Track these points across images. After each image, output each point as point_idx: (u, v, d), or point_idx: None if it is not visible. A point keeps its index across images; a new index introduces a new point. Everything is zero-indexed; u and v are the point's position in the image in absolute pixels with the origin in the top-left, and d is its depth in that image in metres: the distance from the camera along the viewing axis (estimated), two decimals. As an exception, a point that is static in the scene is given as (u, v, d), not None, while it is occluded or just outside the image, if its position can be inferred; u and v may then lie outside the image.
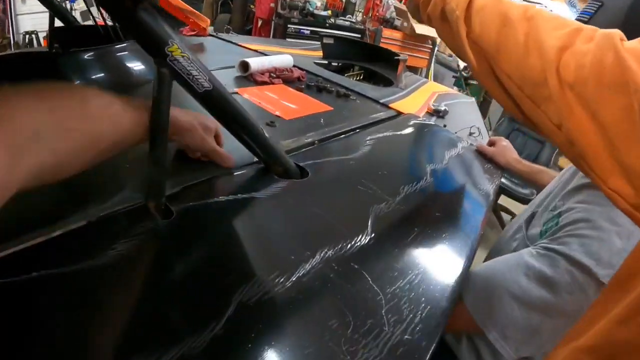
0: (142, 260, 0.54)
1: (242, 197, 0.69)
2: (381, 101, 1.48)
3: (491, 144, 1.32)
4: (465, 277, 0.67)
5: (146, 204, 0.61)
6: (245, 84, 1.34)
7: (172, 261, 0.55)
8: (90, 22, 1.46)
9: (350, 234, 0.66)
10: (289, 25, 4.28)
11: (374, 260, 0.62)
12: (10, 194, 0.39)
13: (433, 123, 1.43)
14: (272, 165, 0.78)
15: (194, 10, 1.65)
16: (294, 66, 1.61)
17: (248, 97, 1.20)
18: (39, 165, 0.42)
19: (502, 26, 0.56)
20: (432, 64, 4.68)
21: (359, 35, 4.46)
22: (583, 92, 0.46)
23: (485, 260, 1.11)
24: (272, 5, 4.43)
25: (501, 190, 2.85)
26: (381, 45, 3.92)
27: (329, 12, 4.61)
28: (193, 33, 1.90)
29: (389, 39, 4.46)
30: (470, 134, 1.50)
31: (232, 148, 0.76)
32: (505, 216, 3.25)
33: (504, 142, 1.31)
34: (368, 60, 2.08)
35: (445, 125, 1.44)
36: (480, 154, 1.28)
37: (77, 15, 3.06)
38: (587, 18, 0.75)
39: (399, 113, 1.42)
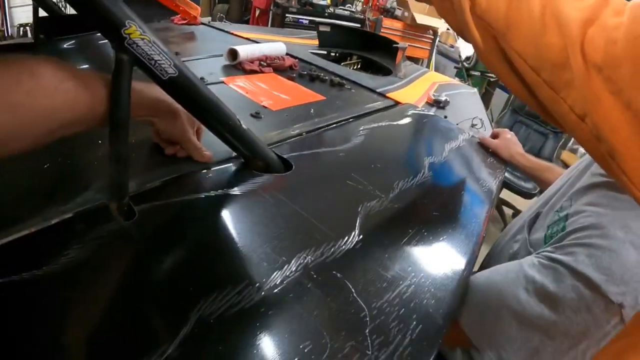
0: (91, 270, 0.46)
1: (214, 194, 0.61)
2: (378, 90, 1.40)
3: (494, 136, 1.25)
4: (465, 288, 0.59)
5: (108, 204, 0.54)
6: (232, 73, 1.27)
7: (125, 270, 0.48)
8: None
9: (334, 236, 0.59)
10: (287, 15, 4.21)
11: (360, 268, 0.55)
12: None
13: (433, 114, 1.35)
14: (252, 159, 0.70)
15: (185, -2, 1.59)
16: (287, 54, 1.53)
17: (234, 87, 1.13)
18: None
19: None
20: (434, 55, 4.60)
21: (359, 25, 4.37)
22: (614, 76, 0.37)
23: (483, 261, 1.03)
24: (270, -7, 4.35)
25: (503, 183, 2.77)
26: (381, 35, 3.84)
27: (328, 1, 4.53)
28: (184, 22, 1.83)
29: (390, 28, 4.38)
30: (473, 125, 1.42)
31: (209, 143, 0.70)
32: (507, 210, 3.18)
33: (508, 135, 1.24)
34: (366, 49, 2.00)
35: (446, 117, 1.37)
36: (483, 146, 1.20)
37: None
38: None
39: (397, 103, 1.34)
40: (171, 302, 0.43)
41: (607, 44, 0.39)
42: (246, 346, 0.41)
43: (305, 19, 4.25)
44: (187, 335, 0.39)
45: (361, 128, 1.01)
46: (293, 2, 4.32)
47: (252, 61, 1.35)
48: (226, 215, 0.60)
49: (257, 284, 0.47)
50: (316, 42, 2.01)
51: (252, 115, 0.94)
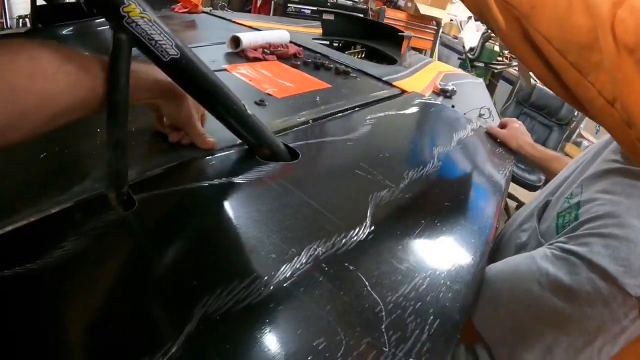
0: (89, 263, 0.43)
1: (217, 183, 0.59)
2: (384, 79, 1.37)
3: (503, 125, 1.22)
4: (480, 281, 0.57)
5: (106, 193, 0.52)
6: (235, 61, 1.24)
7: (125, 263, 0.45)
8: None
9: (345, 226, 0.56)
10: (289, 4, 4.16)
11: (372, 260, 0.52)
12: None
13: (440, 103, 1.32)
14: (257, 146, 0.67)
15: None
16: (290, 42, 1.50)
17: (237, 74, 1.09)
18: None
19: None
20: (437, 46, 4.56)
21: (362, 15, 4.32)
22: None
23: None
24: (272, -18, 4.30)
25: (508, 175, 2.75)
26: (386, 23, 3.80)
27: (331, -10, 4.48)
28: (185, 10, 1.81)
29: (393, 19, 4.34)
30: (480, 115, 1.39)
31: (213, 130, 0.67)
32: (511, 203, 3.15)
33: (516, 124, 1.22)
34: (370, 38, 1.97)
35: (453, 106, 1.34)
36: (491, 136, 1.17)
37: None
38: None
39: (403, 91, 1.31)
40: (174, 297, 0.41)
41: (638, 26, 0.37)
42: (254, 344, 0.38)
43: (308, 9, 4.19)
44: (192, 333, 0.37)
45: (368, 117, 0.98)
46: (295, -8, 4.27)
47: (255, 49, 1.32)
48: (231, 204, 0.57)
49: (266, 278, 0.44)
50: (319, 31, 1.98)
51: (256, 103, 0.91)
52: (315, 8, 4.14)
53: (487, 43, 3.91)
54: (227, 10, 2.39)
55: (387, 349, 0.40)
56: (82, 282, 0.41)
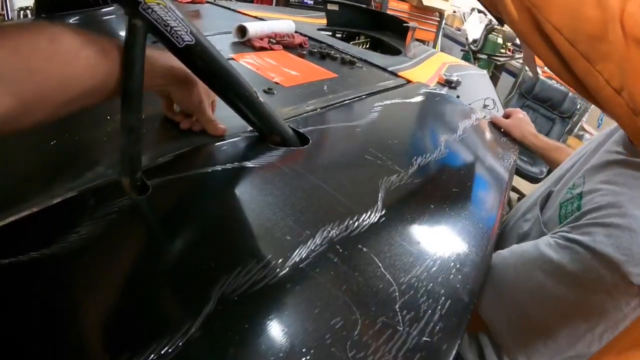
0: (105, 248, 0.43)
1: (230, 167, 0.59)
2: (389, 69, 1.37)
3: (507, 115, 1.23)
4: (488, 265, 0.58)
5: (120, 179, 0.52)
6: (242, 50, 1.23)
7: (140, 247, 0.46)
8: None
9: (357, 209, 0.56)
10: (292, -5, 4.13)
11: (385, 242, 0.53)
12: None
13: (445, 93, 1.32)
14: (268, 133, 0.68)
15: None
16: (296, 32, 1.50)
17: (244, 63, 1.10)
18: (0, 109, 0.38)
19: None
20: (439, 37, 4.54)
21: (364, 6, 4.31)
22: None
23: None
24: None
25: (511, 166, 2.76)
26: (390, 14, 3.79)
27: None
28: (189, 0, 1.79)
29: (396, 10, 4.31)
30: (485, 106, 1.39)
31: (222, 117, 0.67)
32: (513, 195, 3.16)
33: (521, 114, 1.22)
34: (375, 29, 1.97)
35: (458, 96, 1.34)
36: (495, 126, 1.18)
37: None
38: None
39: (408, 81, 1.31)
40: (191, 279, 0.41)
41: None
42: (273, 324, 0.38)
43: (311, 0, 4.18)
44: (210, 314, 0.37)
45: (375, 104, 0.98)
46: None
47: (261, 38, 1.32)
48: (244, 188, 0.58)
49: (281, 259, 0.45)
50: (323, 21, 1.97)
51: (264, 91, 0.92)
52: (318, -2, 4.14)
53: (490, 35, 3.91)
54: (230, 0, 2.38)
55: (401, 328, 0.41)
56: (98, 267, 0.41)
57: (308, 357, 0.36)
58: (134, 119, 0.51)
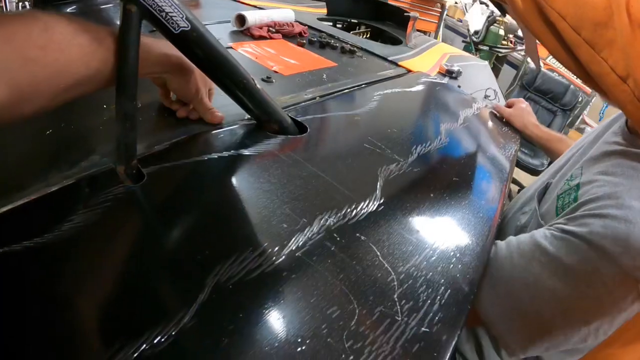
0: (99, 236, 0.43)
1: (227, 155, 0.58)
2: (390, 58, 1.36)
3: (509, 105, 1.22)
4: (488, 254, 0.57)
5: (115, 167, 0.51)
6: (241, 39, 1.22)
7: (136, 235, 0.45)
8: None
9: (356, 198, 0.56)
10: (291, -15, 4.09)
11: (383, 231, 0.52)
12: None
13: (446, 82, 1.31)
14: (266, 121, 0.67)
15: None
16: (296, 21, 1.48)
17: (243, 52, 1.08)
18: None
19: None
20: (441, 29, 4.51)
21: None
22: None
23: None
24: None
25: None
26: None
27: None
28: (188, -12, 1.77)
29: (397, 0, 4.27)
30: (486, 96, 1.38)
31: (220, 105, 0.66)
32: (513, 187, 3.15)
33: (523, 104, 1.21)
34: (376, 19, 1.95)
35: (459, 86, 1.33)
36: (496, 116, 1.17)
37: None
38: None
39: (409, 71, 1.30)
40: (186, 267, 0.40)
41: None
42: (268, 312, 0.38)
43: (310, -11, 4.15)
44: (205, 302, 0.36)
45: (375, 93, 0.97)
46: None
47: (260, 27, 1.30)
48: (241, 175, 0.57)
49: (277, 247, 0.44)
50: (324, 11, 1.95)
51: (263, 80, 0.90)
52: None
53: (492, 26, 3.88)
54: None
55: (399, 318, 0.40)
56: (92, 255, 0.41)
57: (304, 347, 0.35)
58: (129, 106, 0.50)
